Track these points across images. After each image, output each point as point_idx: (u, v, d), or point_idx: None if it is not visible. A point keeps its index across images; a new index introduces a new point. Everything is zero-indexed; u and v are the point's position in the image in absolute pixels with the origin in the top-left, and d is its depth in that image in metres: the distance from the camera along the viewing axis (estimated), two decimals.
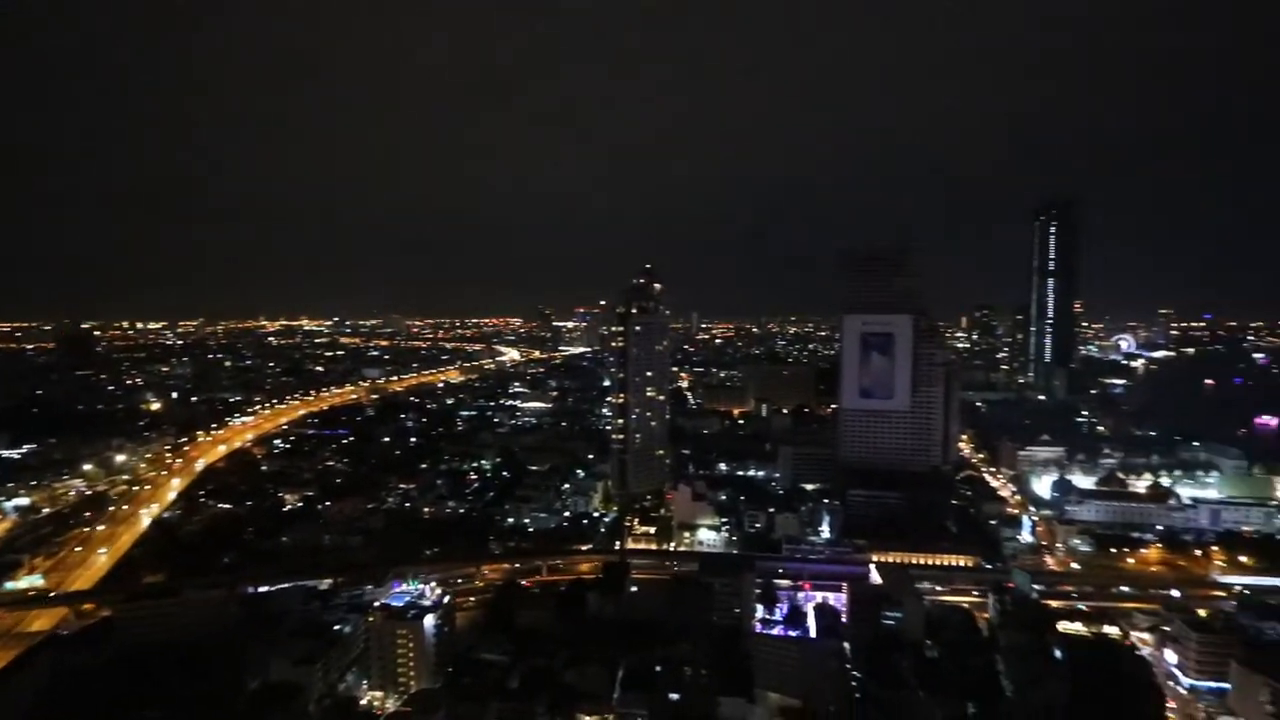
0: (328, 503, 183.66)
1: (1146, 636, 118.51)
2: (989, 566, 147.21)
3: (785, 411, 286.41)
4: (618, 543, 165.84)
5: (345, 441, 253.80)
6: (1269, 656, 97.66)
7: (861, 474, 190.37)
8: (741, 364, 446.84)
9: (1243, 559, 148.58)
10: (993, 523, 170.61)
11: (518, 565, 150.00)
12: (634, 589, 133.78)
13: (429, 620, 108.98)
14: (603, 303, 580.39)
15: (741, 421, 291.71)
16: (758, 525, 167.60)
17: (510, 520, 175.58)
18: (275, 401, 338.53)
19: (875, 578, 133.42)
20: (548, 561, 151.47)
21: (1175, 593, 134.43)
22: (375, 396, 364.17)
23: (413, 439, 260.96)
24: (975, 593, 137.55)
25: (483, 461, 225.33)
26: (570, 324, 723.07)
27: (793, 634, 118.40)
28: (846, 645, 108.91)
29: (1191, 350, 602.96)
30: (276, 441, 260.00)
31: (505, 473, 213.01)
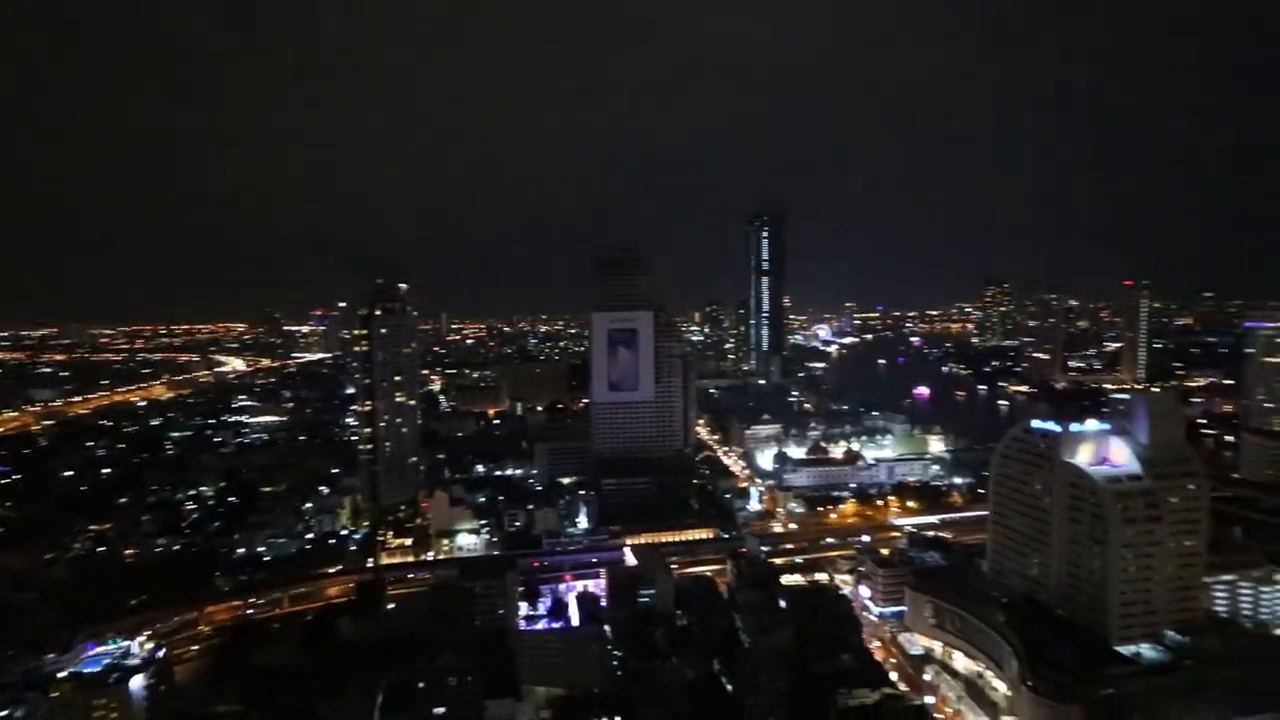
0: None
1: (847, 578, 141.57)
2: (726, 536, 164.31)
3: (540, 409, 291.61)
4: (371, 559, 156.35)
5: (6, 481, 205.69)
6: (930, 580, 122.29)
7: (614, 463, 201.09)
8: (495, 364, 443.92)
9: (910, 504, 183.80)
10: (728, 496, 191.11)
11: (253, 600, 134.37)
12: (391, 606, 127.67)
13: (137, 682, 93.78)
14: (342, 304, 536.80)
15: (497, 421, 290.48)
16: (518, 523, 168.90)
17: (242, 551, 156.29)
18: None
19: (631, 560, 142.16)
20: (290, 591, 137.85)
21: (865, 538, 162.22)
22: (50, 422, 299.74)
23: (106, 470, 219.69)
24: (717, 561, 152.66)
25: (203, 488, 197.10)
26: (306, 328, 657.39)
27: (556, 626, 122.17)
28: (607, 628, 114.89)
29: (869, 337, 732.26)
30: None
31: (233, 498, 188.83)
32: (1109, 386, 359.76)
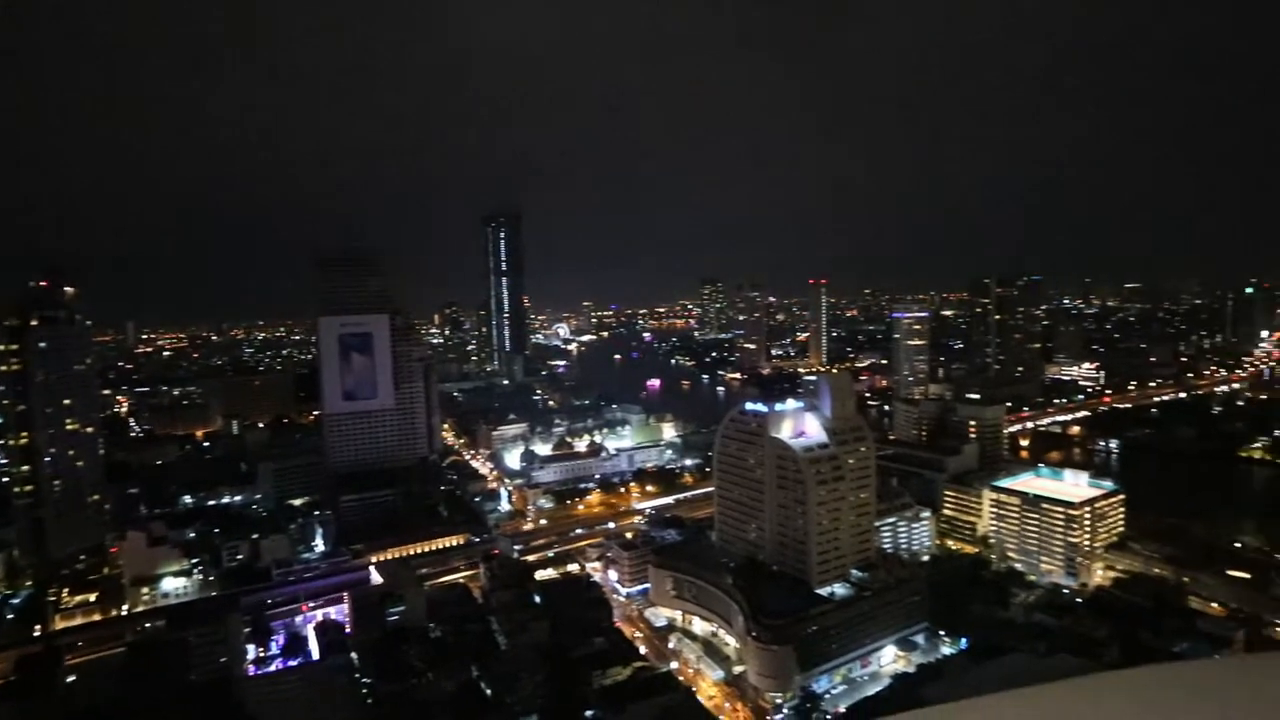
0: None
1: (597, 564, 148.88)
2: (478, 539, 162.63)
3: (262, 425, 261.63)
4: (39, 626, 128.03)
5: None
6: (668, 556, 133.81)
7: (353, 477, 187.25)
8: (201, 378, 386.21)
9: (649, 488, 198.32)
10: (477, 499, 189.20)
11: None
12: (72, 678, 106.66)
13: None
14: None
15: (208, 444, 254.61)
16: (240, 556, 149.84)
17: None
18: None
19: (377, 578, 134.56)
20: None
21: (611, 525, 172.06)
22: None
23: None
24: (470, 566, 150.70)
25: None
26: None
27: (294, 663, 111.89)
28: (354, 655, 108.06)
29: (606, 334, 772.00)
30: None
31: None
32: (802, 370, 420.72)
